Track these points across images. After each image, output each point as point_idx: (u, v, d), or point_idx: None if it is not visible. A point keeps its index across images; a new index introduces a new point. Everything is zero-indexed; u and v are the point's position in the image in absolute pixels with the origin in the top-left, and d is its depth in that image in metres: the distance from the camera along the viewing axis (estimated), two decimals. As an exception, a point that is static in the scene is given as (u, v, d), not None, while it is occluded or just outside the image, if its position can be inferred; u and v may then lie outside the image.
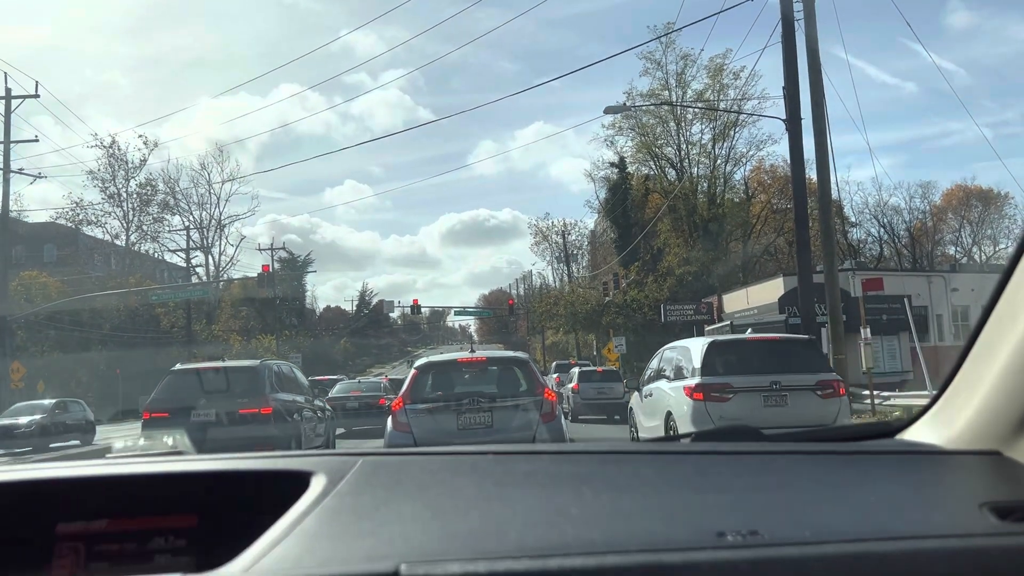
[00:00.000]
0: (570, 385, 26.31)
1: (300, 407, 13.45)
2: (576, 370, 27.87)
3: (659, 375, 12.76)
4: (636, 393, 13.89)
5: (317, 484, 1.20)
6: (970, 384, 1.36)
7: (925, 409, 1.48)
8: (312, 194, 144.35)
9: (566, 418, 13.98)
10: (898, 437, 1.49)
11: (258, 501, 1.24)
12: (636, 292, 44.57)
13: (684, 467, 1.34)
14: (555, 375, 32.82)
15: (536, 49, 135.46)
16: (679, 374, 11.74)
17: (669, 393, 11.72)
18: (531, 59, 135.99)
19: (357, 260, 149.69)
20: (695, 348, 11.60)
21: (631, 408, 14.42)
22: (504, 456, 1.36)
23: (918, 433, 1.46)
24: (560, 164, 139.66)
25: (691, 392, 10.88)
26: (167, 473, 1.35)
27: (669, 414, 11.51)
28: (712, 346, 11.42)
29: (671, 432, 11.39)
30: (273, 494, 1.22)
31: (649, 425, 12.70)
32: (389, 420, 9.58)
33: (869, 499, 1.16)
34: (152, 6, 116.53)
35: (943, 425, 1.40)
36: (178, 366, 13.41)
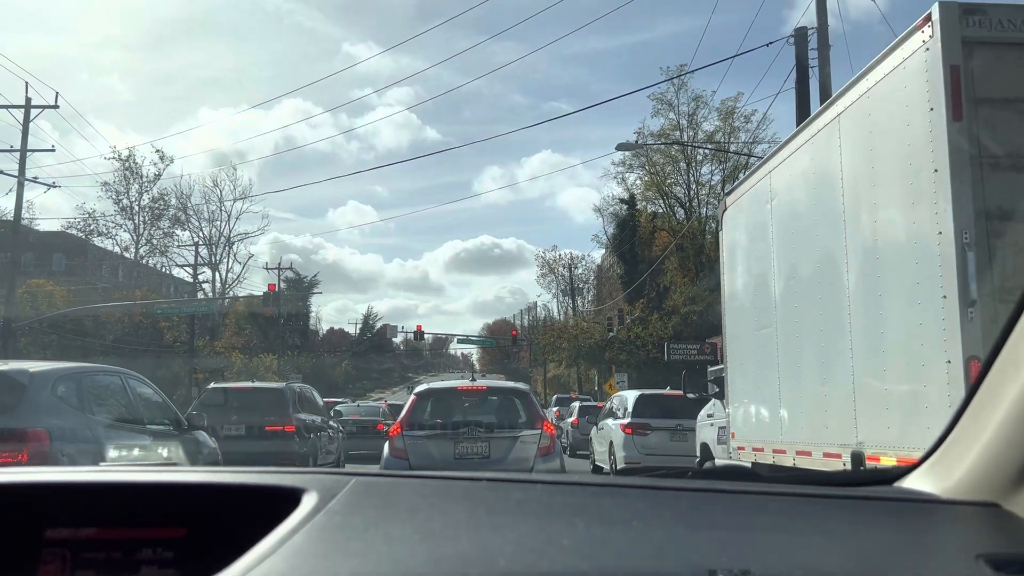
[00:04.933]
0: (570, 419, 26.18)
1: (317, 426, 14.81)
2: (577, 404, 27.75)
3: (609, 414, 17.18)
4: (594, 427, 18.45)
5: (308, 501, 1.19)
6: (970, 434, 1.35)
7: (924, 458, 1.47)
8: (315, 214, 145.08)
9: (565, 452, 14.37)
10: (895, 484, 1.48)
11: (249, 516, 1.23)
12: (640, 329, 44.49)
13: (679, 503, 1.33)
14: (555, 408, 32.68)
15: (548, 82, 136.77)
16: (619, 415, 16.24)
17: (612, 427, 16.19)
18: (542, 91, 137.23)
19: (359, 283, 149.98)
20: (630, 397, 16.33)
21: (590, 438, 18.88)
22: (498, 483, 1.35)
23: (915, 481, 1.44)
24: (567, 194, 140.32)
25: (624, 428, 15.45)
26: (159, 483, 1.34)
27: (611, 443, 15.98)
28: (640, 397, 16.15)
29: (612, 455, 15.84)
30: (264, 510, 1.21)
31: (600, 450, 17.35)
32: (386, 445, 9.53)
33: (863, 545, 1.15)
34: (170, 23, 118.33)
35: (941, 474, 1.39)
36: (212, 384, 14.91)
